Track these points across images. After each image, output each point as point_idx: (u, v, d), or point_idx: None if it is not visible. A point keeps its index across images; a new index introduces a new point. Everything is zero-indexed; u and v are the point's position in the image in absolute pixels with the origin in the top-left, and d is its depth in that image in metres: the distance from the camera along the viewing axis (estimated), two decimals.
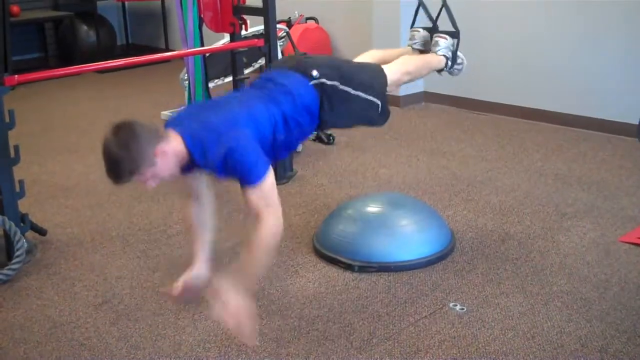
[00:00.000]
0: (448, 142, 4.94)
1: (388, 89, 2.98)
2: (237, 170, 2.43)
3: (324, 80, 2.75)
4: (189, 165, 2.50)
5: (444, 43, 3.24)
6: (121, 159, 2.30)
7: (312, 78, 2.74)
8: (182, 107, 2.67)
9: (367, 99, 2.87)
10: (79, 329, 2.77)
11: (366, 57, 3.28)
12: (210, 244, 2.74)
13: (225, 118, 2.51)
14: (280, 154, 2.78)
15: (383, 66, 3.02)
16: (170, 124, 2.54)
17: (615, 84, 4.93)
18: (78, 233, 3.65)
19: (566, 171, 4.30)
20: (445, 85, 5.51)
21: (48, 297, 3.03)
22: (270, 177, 2.47)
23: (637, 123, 2.29)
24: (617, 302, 2.83)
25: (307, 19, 6.64)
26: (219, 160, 2.41)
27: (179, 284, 2.66)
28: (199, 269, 2.71)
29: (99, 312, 2.89)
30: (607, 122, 4.97)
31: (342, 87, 2.79)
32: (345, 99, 2.81)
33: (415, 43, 3.34)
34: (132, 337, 2.69)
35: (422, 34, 3.33)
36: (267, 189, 2.45)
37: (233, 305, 2.34)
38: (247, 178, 2.43)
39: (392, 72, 3.01)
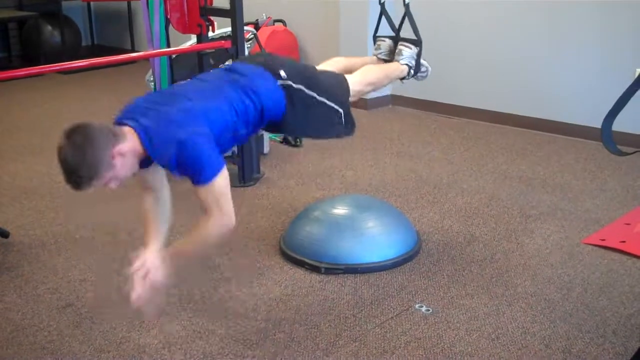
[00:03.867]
0: (415, 145, 4.97)
1: (350, 99, 2.96)
2: (188, 168, 2.37)
3: (290, 82, 2.73)
4: (146, 160, 2.44)
5: (407, 52, 3.23)
6: (78, 166, 2.23)
7: (280, 78, 2.72)
8: (138, 97, 2.55)
9: (331, 107, 2.85)
10: (41, 332, 2.73)
11: (330, 64, 3.26)
12: (163, 236, 2.64)
13: (182, 111, 2.44)
14: (230, 146, 2.75)
15: (346, 76, 3.00)
16: (124, 116, 2.45)
17: (580, 88, 5.00)
18: (41, 235, 3.59)
19: (530, 174, 4.35)
20: (412, 89, 5.53)
21: (10, 300, 2.98)
22: (223, 176, 2.41)
23: (600, 127, 2.31)
24: (580, 303, 2.86)
25: (275, 21, 6.63)
26: (172, 156, 2.35)
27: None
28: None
29: (62, 315, 2.85)
30: (571, 125, 5.04)
31: (307, 91, 2.77)
32: (309, 105, 2.78)
33: (380, 53, 3.34)
34: (96, 340, 2.66)
35: (387, 43, 3.33)
36: (219, 189, 2.40)
37: (149, 264, 2.37)
38: (199, 176, 2.38)
39: (355, 82, 3.00)
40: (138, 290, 2.39)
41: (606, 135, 2.29)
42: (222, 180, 2.41)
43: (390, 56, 3.31)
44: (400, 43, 3.28)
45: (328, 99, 2.84)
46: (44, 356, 2.58)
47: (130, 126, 2.39)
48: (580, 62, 4.97)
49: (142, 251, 2.50)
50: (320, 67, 3.18)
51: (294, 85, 2.74)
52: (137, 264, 2.43)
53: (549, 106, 5.17)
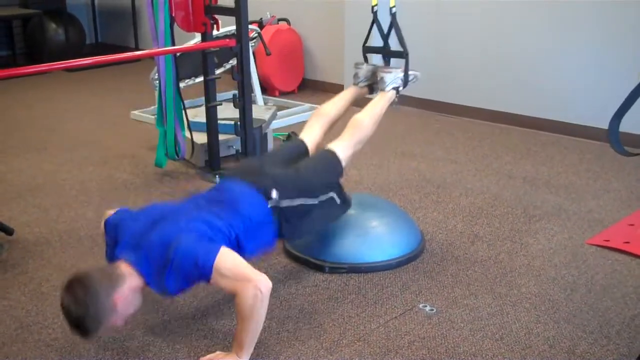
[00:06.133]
0: (418, 145, 4.97)
1: (344, 165, 2.98)
2: (187, 273, 2.36)
3: (282, 202, 2.69)
4: None
5: (389, 77, 3.22)
6: (82, 319, 2.28)
7: (271, 200, 2.68)
8: (126, 214, 2.61)
9: (326, 200, 2.86)
10: (46, 330, 2.73)
11: (317, 122, 3.23)
12: None
13: (168, 232, 2.42)
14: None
15: (335, 149, 2.98)
16: (121, 251, 2.46)
17: (584, 88, 4.99)
18: (46, 233, 3.60)
19: (534, 174, 4.35)
20: (416, 89, 5.51)
21: (15, 297, 2.98)
22: (223, 254, 2.36)
23: (607, 127, 2.31)
24: (584, 303, 2.86)
25: (279, 20, 6.64)
26: (168, 277, 2.36)
27: None
28: None
29: None
30: (576, 126, 5.04)
31: (301, 201, 2.75)
32: (305, 212, 2.78)
33: (359, 82, 3.34)
34: (100, 337, 2.66)
35: (365, 69, 3.34)
36: (225, 268, 2.34)
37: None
38: (201, 271, 2.34)
39: (345, 149, 3.01)
40: None
41: (613, 136, 2.29)
42: (223, 257, 2.36)
43: (372, 79, 3.29)
44: (379, 71, 3.27)
45: (324, 194, 2.85)
46: (48, 354, 2.58)
47: (128, 262, 2.41)
48: (585, 63, 4.97)
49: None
50: (305, 133, 3.17)
51: (286, 204, 2.70)
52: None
53: (553, 106, 5.17)
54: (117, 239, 2.53)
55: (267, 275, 2.37)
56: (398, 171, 4.44)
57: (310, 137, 3.18)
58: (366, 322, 2.75)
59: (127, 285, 2.37)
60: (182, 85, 4.76)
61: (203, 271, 2.34)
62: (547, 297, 2.91)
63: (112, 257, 2.53)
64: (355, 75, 3.37)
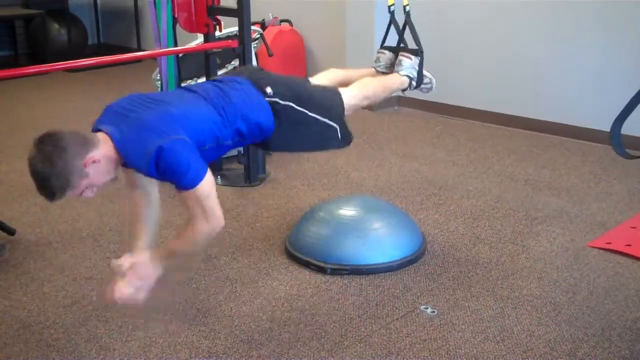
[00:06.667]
0: (420, 146, 4.97)
1: (346, 112, 2.91)
2: (169, 174, 2.33)
3: (277, 99, 2.68)
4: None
5: (407, 63, 3.18)
6: (48, 176, 2.19)
7: (266, 95, 2.67)
8: (121, 98, 2.51)
9: (325, 122, 2.81)
10: (47, 330, 2.73)
11: (326, 76, 3.20)
12: (151, 237, 2.61)
13: (160, 117, 2.38)
14: (215, 156, 2.67)
15: (341, 90, 2.94)
16: (101, 121, 2.41)
17: (587, 91, 4.99)
18: (47, 233, 3.60)
19: (536, 176, 4.34)
20: (426, 94, 5.53)
21: (16, 297, 2.99)
22: (207, 181, 2.36)
23: (609, 130, 2.31)
24: (585, 306, 2.86)
25: (281, 21, 6.64)
26: (150, 163, 2.30)
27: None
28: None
29: (69, 312, 2.86)
30: (578, 128, 5.03)
31: (298, 108, 2.72)
32: (300, 122, 2.74)
33: (379, 66, 3.29)
34: (102, 338, 2.67)
35: (387, 55, 3.28)
36: (202, 195, 2.35)
37: (136, 260, 2.37)
38: (181, 182, 2.33)
39: (350, 96, 2.94)
40: (121, 286, 2.37)
41: (615, 138, 2.29)
42: (206, 184, 2.36)
43: (390, 69, 3.25)
44: (400, 53, 3.22)
45: (320, 115, 2.79)
46: (50, 354, 2.58)
47: (105, 132, 2.35)
48: (588, 65, 4.96)
49: (128, 253, 2.46)
50: (316, 80, 3.12)
51: (282, 102, 2.69)
52: (121, 260, 2.40)
53: (555, 108, 5.16)
54: (103, 112, 2.47)
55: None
56: (400, 173, 4.44)
57: (317, 80, 3.13)
58: (367, 323, 2.75)
59: (102, 152, 2.29)
60: (184, 85, 4.76)
61: (183, 183, 2.33)
62: (548, 300, 2.91)
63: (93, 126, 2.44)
64: (377, 59, 3.32)
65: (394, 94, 5.97)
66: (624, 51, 4.77)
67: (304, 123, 2.75)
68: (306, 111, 2.74)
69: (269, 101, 2.67)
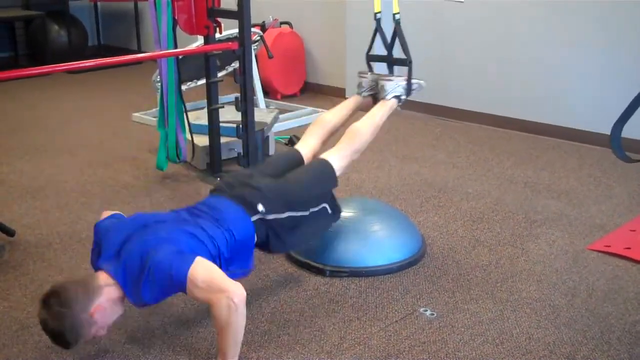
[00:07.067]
0: (420, 149, 4.97)
1: (339, 175, 2.96)
2: (162, 283, 2.34)
3: (269, 216, 2.67)
4: None
5: (390, 86, 3.19)
6: (60, 333, 2.31)
7: (256, 213, 2.65)
8: (117, 225, 2.57)
9: (317, 212, 2.84)
10: None
11: (316, 131, 3.20)
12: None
13: (147, 243, 2.41)
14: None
15: (329, 158, 2.96)
16: (102, 262, 2.46)
17: (587, 94, 4.99)
18: (47, 234, 3.60)
19: (536, 179, 4.35)
20: (418, 93, 5.53)
21: (15, 298, 2.98)
22: (198, 264, 2.33)
23: (609, 133, 2.31)
24: (584, 309, 2.86)
25: (282, 23, 6.64)
26: (144, 288, 2.35)
27: None
28: None
29: None
30: (577, 131, 5.04)
31: (290, 214, 2.73)
32: (294, 225, 2.76)
33: (363, 91, 3.30)
34: (101, 340, 2.66)
35: (369, 79, 3.30)
36: (201, 278, 2.31)
37: None
38: (176, 281, 2.32)
39: (340, 158, 2.98)
40: None
41: (615, 142, 2.29)
42: (200, 267, 2.33)
43: (376, 89, 3.27)
44: (379, 79, 3.24)
45: (315, 206, 2.83)
46: (48, 355, 2.58)
47: (107, 272, 2.42)
48: (586, 68, 4.97)
49: None
50: (304, 143, 3.14)
51: (272, 217, 2.68)
52: None
53: (555, 111, 5.17)
54: (100, 247, 2.52)
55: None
56: (399, 175, 4.44)
57: (306, 146, 3.14)
58: (367, 326, 2.75)
59: (105, 297, 2.37)
60: (184, 87, 4.76)
61: (177, 282, 2.33)
62: (547, 302, 2.91)
63: (94, 263, 2.53)
64: (359, 85, 3.35)
65: None
66: (624, 53, 4.78)
67: (298, 225, 2.78)
68: (299, 213, 2.77)
69: (258, 219, 2.65)
